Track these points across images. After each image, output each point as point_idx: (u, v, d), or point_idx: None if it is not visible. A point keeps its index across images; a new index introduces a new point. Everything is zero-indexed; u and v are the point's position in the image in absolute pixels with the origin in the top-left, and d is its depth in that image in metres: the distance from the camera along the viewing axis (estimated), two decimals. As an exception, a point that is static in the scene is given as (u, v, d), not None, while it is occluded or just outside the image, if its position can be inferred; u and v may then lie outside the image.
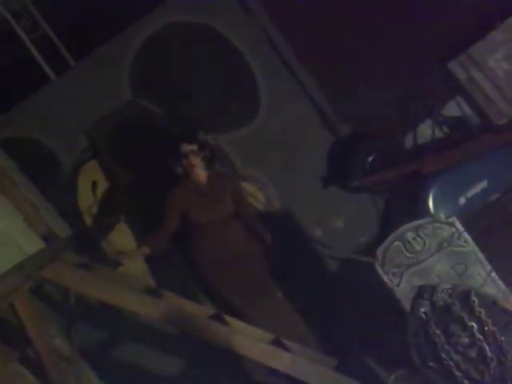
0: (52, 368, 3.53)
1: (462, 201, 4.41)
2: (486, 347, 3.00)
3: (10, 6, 4.99)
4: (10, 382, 3.40)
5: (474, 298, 3.06)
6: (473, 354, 3.02)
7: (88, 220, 4.62)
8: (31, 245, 3.70)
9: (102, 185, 4.65)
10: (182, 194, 3.92)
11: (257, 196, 4.81)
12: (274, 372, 3.57)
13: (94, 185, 4.62)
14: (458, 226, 3.20)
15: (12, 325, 3.59)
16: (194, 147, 3.84)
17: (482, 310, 3.02)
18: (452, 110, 4.93)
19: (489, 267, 3.16)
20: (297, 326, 4.00)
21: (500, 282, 3.15)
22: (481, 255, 3.18)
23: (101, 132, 4.61)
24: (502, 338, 3.01)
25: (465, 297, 3.08)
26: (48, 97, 4.77)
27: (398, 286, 3.18)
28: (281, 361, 3.42)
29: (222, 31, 4.82)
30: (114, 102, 4.69)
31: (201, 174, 3.90)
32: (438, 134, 4.90)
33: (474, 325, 3.02)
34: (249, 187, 4.76)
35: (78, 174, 4.69)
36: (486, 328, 3.01)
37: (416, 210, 4.38)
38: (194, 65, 4.82)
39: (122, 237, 4.53)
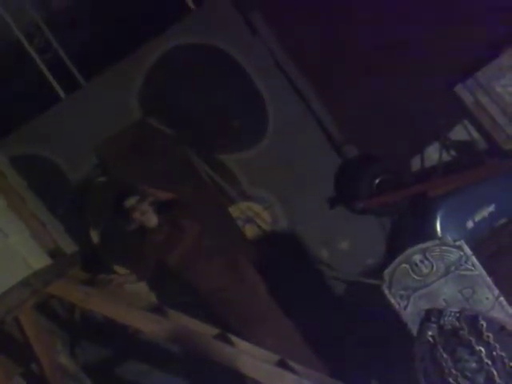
0: (56, 385, 3.51)
1: (470, 224, 4.39)
2: (495, 372, 2.95)
3: (23, 27, 5.09)
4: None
5: (482, 322, 3.02)
6: (481, 379, 2.98)
7: (96, 237, 4.64)
8: (38, 260, 3.71)
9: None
10: (147, 247, 3.96)
11: (263, 216, 4.82)
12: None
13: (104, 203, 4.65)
14: (466, 249, 3.17)
15: (17, 340, 3.58)
16: (137, 197, 3.91)
17: (490, 335, 2.99)
18: (459, 133, 4.95)
19: (497, 292, 3.13)
20: (301, 349, 3.96)
21: (508, 307, 3.11)
22: (488, 279, 3.14)
23: (110, 151, 4.65)
24: (511, 364, 2.96)
25: (473, 321, 3.04)
26: (58, 116, 4.83)
27: (404, 309, 3.15)
28: (286, 382, 3.38)
29: (230, 53, 4.89)
30: (123, 121, 4.74)
31: (153, 218, 3.96)
32: (445, 157, 4.91)
33: (482, 349, 2.98)
34: (255, 207, 4.77)
35: (87, 191, 4.73)
36: (494, 353, 2.97)
37: (423, 232, 4.36)
38: (203, 85, 4.87)
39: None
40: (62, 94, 5.00)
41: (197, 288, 3.95)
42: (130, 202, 3.89)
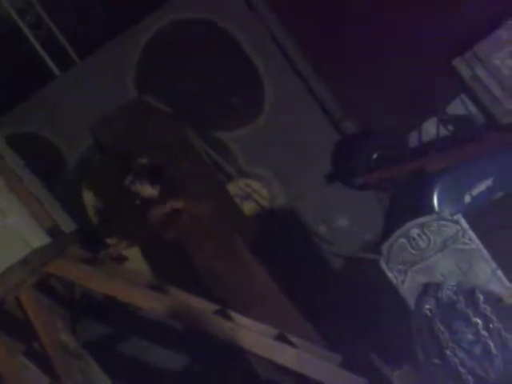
0: (58, 362, 3.55)
1: (468, 199, 4.39)
2: (491, 344, 2.99)
3: (14, 3, 5.01)
4: (16, 374, 3.42)
5: (479, 295, 3.05)
6: (477, 350, 3.01)
7: (93, 215, 4.64)
8: (37, 239, 3.73)
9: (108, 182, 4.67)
10: (147, 220, 4.00)
11: (261, 193, 4.82)
12: (278, 368, 3.58)
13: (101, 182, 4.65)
14: (463, 223, 3.19)
15: (17, 319, 3.61)
16: (130, 177, 3.96)
17: (487, 307, 3.02)
18: (457, 108, 4.92)
19: (494, 265, 3.15)
20: (300, 326, 3.99)
21: (505, 280, 3.14)
22: (486, 253, 3.16)
23: (106, 129, 4.62)
24: (507, 335, 3.00)
25: (470, 294, 3.07)
26: (53, 93, 4.79)
27: (402, 283, 3.18)
28: (285, 356, 3.42)
29: (227, 29, 4.84)
30: (119, 98, 4.70)
31: (151, 191, 4.00)
32: (443, 132, 4.90)
33: (479, 321, 3.01)
34: (253, 184, 4.78)
35: (84, 169, 4.71)
36: (490, 325, 3.00)
37: (420, 207, 4.37)
38: (200, 62, 4.83)
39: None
40: (55, 70, 4.95)
41: (194, 266, 3.98)
42: (126, 182, 3.94)
